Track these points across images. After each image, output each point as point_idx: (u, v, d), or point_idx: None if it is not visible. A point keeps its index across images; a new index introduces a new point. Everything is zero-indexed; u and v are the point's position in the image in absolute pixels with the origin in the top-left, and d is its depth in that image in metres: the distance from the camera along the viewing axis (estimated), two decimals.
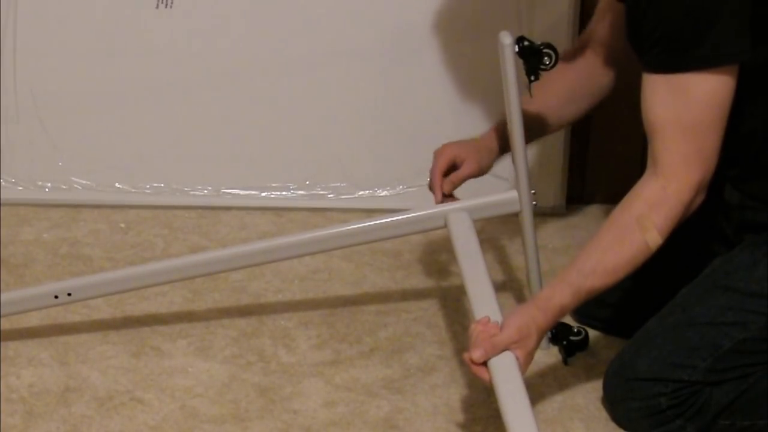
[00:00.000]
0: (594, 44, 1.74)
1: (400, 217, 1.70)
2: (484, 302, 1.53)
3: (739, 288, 1.54)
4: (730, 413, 1.55)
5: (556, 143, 2.22)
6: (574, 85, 1.74)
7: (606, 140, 2.25)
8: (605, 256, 1.49)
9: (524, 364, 1.47)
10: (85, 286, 1.74)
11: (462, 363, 1.77)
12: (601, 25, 1.73)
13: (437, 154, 1.75)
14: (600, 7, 1.75)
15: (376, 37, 2.19)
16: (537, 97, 1.65)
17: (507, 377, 1.41)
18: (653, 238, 1.47)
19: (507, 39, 1.52)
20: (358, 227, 1.71)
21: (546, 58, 1.56)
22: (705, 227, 1.70)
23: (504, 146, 1.73)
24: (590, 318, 1.84)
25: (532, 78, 1.59)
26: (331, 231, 1.73)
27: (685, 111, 1.43)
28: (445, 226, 1.70)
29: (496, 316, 1.49)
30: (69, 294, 1.73)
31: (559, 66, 1.62)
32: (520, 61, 1.57)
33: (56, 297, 1.73)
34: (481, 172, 1.75)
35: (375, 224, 1.71)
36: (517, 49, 1.55)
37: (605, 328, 1.83)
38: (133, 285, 1.77)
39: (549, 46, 1.56)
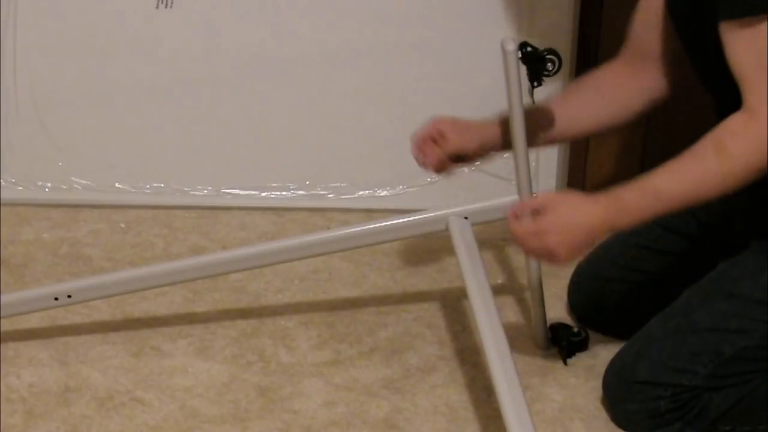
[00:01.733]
0: (639, 52, 1.66)
1: (401, 221, 1.70)
2: (483, 308, 1.53)
3: (744, 294, 1.54)
4: (729, 418, 1.55)
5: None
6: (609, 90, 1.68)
7: (606, 140, 2.25)
8: (679, 164, 1.44)
9: (561, 249, 1.42)
10: (85, 288, 1.74)
11: (462, 363, 1.77)
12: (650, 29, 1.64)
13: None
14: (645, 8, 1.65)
15: (377, 38, 2.19)
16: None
17: (506, 378, 1.41)
18: (727, 161, 1.41)
19: (510, 45, 1.51)
20: (359, 230, 1.71)
21: (549, 64, 1.56)
22: (709, 233, 1.70)
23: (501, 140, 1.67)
24: (589, 319, 1.84)
25: (535, 84, 1.58)
26: (332, 234, 1.73)
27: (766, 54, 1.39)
28: (447, 229, 1.70)
29: (494, 322, 1.49)
30: (69, 296, 1.73)
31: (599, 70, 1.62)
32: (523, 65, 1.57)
33: (56, 299, 1.73)
34: (463, 147, 1.65)
35: (376, 227, 1.71)
36: (520, 55, 1.54)
37: (604, 329, 1.83)
38: (134, 287, 1.77)
39: (552, 51, 1.56)
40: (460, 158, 1.67)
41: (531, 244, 1.45)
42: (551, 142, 1.71)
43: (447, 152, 1.64)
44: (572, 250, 1.44)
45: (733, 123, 1.43)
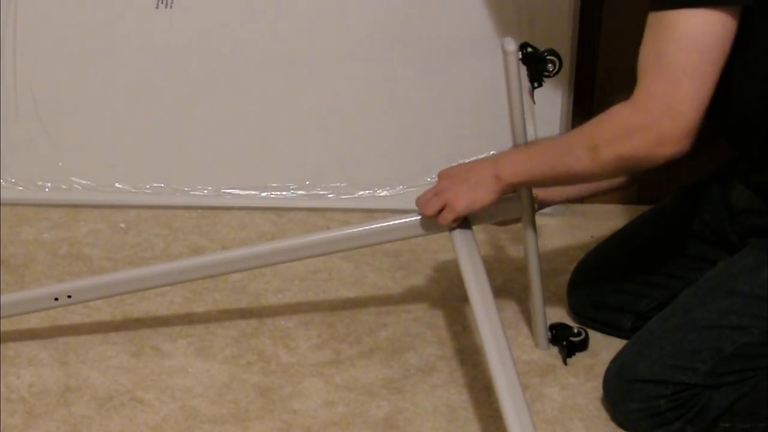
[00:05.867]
0: None
1: (401, 221, 1.70)
2: (483, 308, 1.53)
3: (743, 291, 1.54)
4: (730, 416, 1.55)
5: None
6: None
7: None
8: (556, 149, 1.52)
9: (457, 199, 1.57)
10: (86, 288, 1.74)
11: (462, 363, 1.77)
12: None
13: None
14: None
15: (377, 38, 2.19)
16: None
17: (506, 378, 1.41)
18: (597, 161, 1.45)
19: (510, 46, 1.51)
20: (359, 230, 1.71)
21: (549, 64, 1.56)
22: (709, 232, 1.70)
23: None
24: (589, 319, 1.84)
25: (535, 85, 1.58)
26: (332, 234, 1.73)
27: (663, 49, 1.39)
28: (447, 229, 1.70)
29: (494, 322, 1.49)
30: (69, 296, 1.72)
31: None
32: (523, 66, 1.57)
33: (56, 299, 1.73)
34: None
35: (376, 227, 1.71)
36: (520, 56, 1.54)
37: (604, 329, 1.83)
38: (134, 287, 1.77)
39: (553, 52, 1.56)
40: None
41: (434, 206, 1.61)
42: (576, 197, 1.78)
43: None
44: (467, 198, 1.58)
45: (614, 117, 1.44)
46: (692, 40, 1.37)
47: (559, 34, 2.11)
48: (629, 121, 1.42)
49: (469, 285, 1.57)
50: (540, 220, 1.80)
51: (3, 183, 2.29)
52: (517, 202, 1.65)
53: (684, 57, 1.38)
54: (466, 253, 1.62)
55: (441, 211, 1.60)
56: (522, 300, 1.93)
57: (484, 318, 1.51)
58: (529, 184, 1.59)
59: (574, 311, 1.87)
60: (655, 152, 1.41)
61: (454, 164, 1.67)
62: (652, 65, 1.40)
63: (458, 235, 1.65)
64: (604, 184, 1.71)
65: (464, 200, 1.58)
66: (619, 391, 1.59)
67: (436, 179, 1.65)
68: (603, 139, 1.44)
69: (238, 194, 2.30)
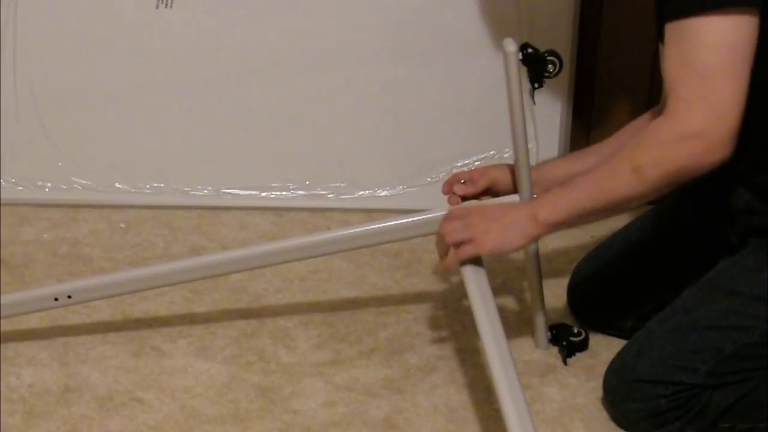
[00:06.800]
0: None
1: (401, 221, 1.70)
2: (483, 308, 1.53)
3: (743, 291, 1.54)
4: (730, 416, 1.55)
5: (555, 144, 2.22)
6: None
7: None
8: (600, 177, 1.48)
9: (486, 237, 1.51)
10: (85, 288, 1.74)
11: (462, 363, 1.77)
12: None
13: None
14: None
15: (377, 38, 2.19)
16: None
17: (506, 378, 1.41)
18: (643, 182, 1.43)
19: (511, 46, 1.51)
20: (359, 230, 1.70)
21: (550, 65, 1.55)
22: (709, 233, 1.70)
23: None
24: (589, 319, 1.84)
25: (536, 85, 1.58)
26: (332, 234, 1.73)
27: (691, 55, 1.38)
28: None
29: (494, 322, 1.49)
30: (69, 296, 1.72)
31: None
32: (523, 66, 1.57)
33: (56, 299, 1.73)
34: (498, 178, 1.70)
35: (376, 227, 1.71)
36: (521, 56, 1.54)
37: (604, 329, 1.83)
38: (134, 287, 1.76)
39: (553, 53, 1.55)
40: (492, 192, 1.71)
41: (458, 237, 1.54)
42: None
43: (479, 187, 1.69)
44: (497, 239, 1.52)
45: (655, 134, 1.42)
46: (722, 42, 1.37)
47: (559, 34, 2.12)
48: (673, 134, 1.40)
49: (469, 285, 1.57)
50: None
51: (3, 183, 2.29)
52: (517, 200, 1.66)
53: (716, 59, 1.37)
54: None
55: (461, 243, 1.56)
56: (522, 300, 1.93)
57: (484, 318, 1.51)
58: (570, 223, 1.52)
59: (574, 312, 1.87)
60: (703, 160, 1.40)
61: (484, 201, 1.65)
62: (684, 73, 1.39)
63: None
64: None
65: (493, 240, 1.52)
66: (619, 391, 1.59)
67: (459, 213, 1.59)
68: (649, 158, 1.42)
69: (238, 194, 2.30)
